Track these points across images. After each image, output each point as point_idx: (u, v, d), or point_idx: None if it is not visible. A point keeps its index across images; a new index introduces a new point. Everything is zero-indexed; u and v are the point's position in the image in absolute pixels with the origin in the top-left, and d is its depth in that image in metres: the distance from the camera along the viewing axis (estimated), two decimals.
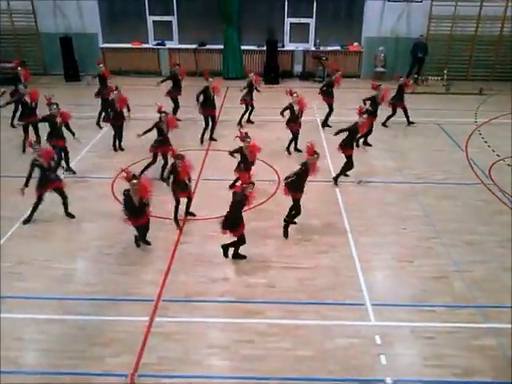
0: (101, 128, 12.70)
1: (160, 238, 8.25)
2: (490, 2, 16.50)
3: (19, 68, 13.74)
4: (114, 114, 11.25)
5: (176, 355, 5.99)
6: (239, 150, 9.03)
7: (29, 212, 8.65)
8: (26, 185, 8.22)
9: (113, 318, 6.57)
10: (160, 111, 9.79)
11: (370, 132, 11.64)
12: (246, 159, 9.04)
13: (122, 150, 11.56)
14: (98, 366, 5.83)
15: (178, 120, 12.26)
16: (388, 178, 10.44)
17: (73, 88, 16.64)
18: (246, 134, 9.12)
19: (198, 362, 5.93)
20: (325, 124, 13.01)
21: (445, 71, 16.76)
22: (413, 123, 13.23)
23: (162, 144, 9.75)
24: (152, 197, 7.61)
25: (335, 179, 10.07)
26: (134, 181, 7.29)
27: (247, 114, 13.02)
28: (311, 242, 8.23)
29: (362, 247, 8.08)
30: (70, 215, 8.89)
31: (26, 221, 8.68)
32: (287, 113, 10.97)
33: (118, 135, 11.51)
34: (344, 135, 9.82)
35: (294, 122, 11.03)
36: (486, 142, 12.27)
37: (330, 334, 6.33)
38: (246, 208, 7.43)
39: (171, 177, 8.19)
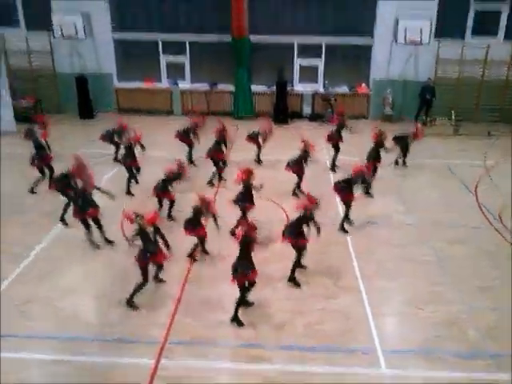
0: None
1: (167, 277, 8.20)
2: (496, 46, 16.84)
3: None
4: (127, 155, 11.29)
5: None
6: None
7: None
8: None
9: (119, 359, 6.46)
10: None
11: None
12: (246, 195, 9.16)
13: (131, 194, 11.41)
14: None
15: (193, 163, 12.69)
16: (398, 220, 10.40)
17: (86, 126, 16.98)
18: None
19: None
20: (333, 166, 13.08)
21: (453, 113, 16.93)
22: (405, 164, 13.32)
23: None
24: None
25: (342, 226, 9.91)
26: (138, 218, 7.28)
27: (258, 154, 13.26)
28: (320, 286, 8.12)
29: (372, 291, 7.97)
30: (109, 241, 9.16)
31: (96, 246, 9.02)
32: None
33: (134, 177, 11.52)
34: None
35: (297, 166, 11.04)
36: (495, 184, 12.25)
37: (339, 381, 6.16)
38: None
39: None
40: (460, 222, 10.35)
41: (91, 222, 8.96)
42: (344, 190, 9.59)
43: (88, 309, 7.59)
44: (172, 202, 10.01)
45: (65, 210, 9.84)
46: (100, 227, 9.12)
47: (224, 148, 12.08)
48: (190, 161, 13.05)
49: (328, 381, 6.17)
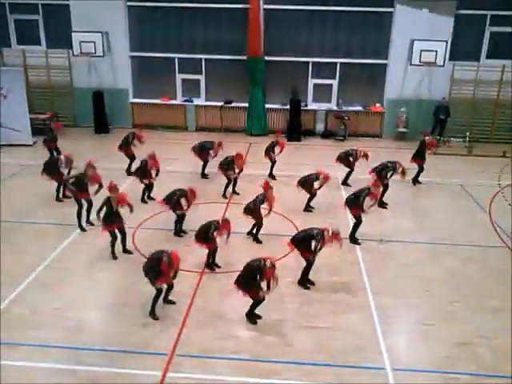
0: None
1: (176, 290, 8.17)
2: (510, 68, 16.82)
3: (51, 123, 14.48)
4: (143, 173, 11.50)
5: None
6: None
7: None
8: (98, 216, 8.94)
9: (125, 370, 6.42)
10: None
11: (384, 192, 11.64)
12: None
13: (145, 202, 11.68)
14: None
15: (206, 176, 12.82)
16: (411, 237, 10.29)
17: (102, 140, 17.22)
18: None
19: None
20: (345, 183, 13.05)
21: (467, 133, 16.84)
22: (419, 183, 13.26)
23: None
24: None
25: (352, 239, 9.95)
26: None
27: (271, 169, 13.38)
28: (330, 301, 8.04)
29: (382, 308, 7.85)
30: (128, 251, 9.29)
31: (115, 257, 9.11)
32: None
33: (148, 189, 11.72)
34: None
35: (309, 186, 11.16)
36: (509, 204, 12.09)
37: None
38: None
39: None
40: (474, 241, 10.21)
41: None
42: (353, 203, 9.77)
43: (96, 319, 7.60)
44: (183, 216, 10.02)
45: (79, 217, 10.15)
46: (124, 237, 9.27)
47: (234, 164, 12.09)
48: (203, 174, 13.27)
49: None
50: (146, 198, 11.71)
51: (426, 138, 12.92)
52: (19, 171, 13.51)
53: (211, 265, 8.79)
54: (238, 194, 12.21)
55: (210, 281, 8.55)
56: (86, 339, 7.02)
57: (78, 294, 8.12)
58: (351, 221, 10.24)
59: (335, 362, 6.67)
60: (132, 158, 13.22)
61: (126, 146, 13.25)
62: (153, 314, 7.47)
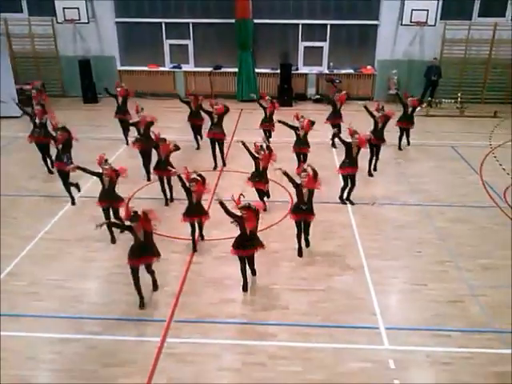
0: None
1: (172, 258, 8.28)
2: (503, 26, 16.61)
3: (33, 90, 14.16)
4: (140, 138, 10.92)
5: (187, 377, 5.96)
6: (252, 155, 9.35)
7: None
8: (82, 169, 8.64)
9: (125, 338, 6.57)
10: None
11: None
12: (258, 170, 9.37)
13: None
14: None
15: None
16: (402, 200, 10.39)
17: (91, 110, 16.98)
18: (261, 146, 9.39)
19: None
20: (334, 142, 13.08)
21: (459, 94, 16.78)
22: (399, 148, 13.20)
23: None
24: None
25: (341, 199, 10.14)
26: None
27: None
28: (324, 265, 8.18)
29: (375, 270, 8.01)
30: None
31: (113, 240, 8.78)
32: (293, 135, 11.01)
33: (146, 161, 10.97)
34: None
35: (298, 146, 11.04)
36: (500, 164, 12.18)
37: (342, 357, 6.25)
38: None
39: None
40: (464, 201, 10.33)
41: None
42: (346, 164, 9.81)
43: (93, 289, 7.69)
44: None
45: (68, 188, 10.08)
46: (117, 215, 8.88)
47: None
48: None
49: (331, 356, 6.25)
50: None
51: (409, 99, 12.76)
52: (6, 144, 13.34)
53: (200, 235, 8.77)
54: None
55: (205, 247, 8.64)
56: (85, 308, 7.14)
57: (74, 264, 8.19)
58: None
59: (329, 323, 6.84)
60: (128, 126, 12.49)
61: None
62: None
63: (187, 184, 8.09)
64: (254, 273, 7.64)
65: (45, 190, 10.74)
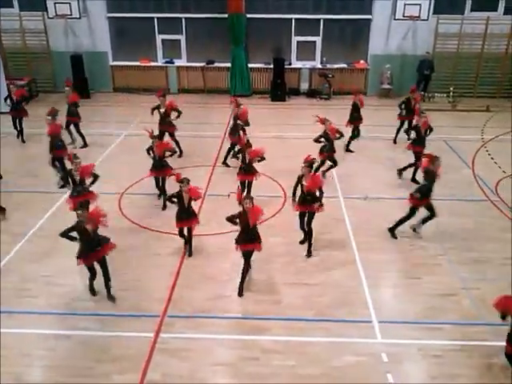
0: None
1: (166, 253, 8.27)
2: (495, 20, 16.65)
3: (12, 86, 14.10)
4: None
5: (181, 372, 5.97)
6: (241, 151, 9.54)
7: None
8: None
9: (119, 333, 6.56)
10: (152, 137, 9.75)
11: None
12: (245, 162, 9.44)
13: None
14: None
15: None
16: (394, 194, 10.42)
17: (82, 105, 16.78)
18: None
19: (202, 379, 5.90)
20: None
21: (451, 88, 16.83)
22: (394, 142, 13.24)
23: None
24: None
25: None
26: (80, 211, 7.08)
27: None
28: (318, 259, 8.21)
29: (368, 264, 8.05)
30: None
31: None
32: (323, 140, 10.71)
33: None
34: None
35: (331, 151, 10.71)
36: (492, 158, 12.24)
37: (336, 351, 6.29)
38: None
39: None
40: (456, 195, 10.38)
41: None
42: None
43: (87, 285, 7.63)
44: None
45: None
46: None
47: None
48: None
49: (325, 350, 6.28)
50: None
51: (415, 94, 12.82)
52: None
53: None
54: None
55: (200, 242, 8.62)
56: (78, 305, 7.12)
57: (66, 261, 8.13)
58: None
59: (323, 317, 6.87)
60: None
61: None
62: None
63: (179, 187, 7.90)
64: (248, 268, 7.62)
65: (37, 186, 10.68)
